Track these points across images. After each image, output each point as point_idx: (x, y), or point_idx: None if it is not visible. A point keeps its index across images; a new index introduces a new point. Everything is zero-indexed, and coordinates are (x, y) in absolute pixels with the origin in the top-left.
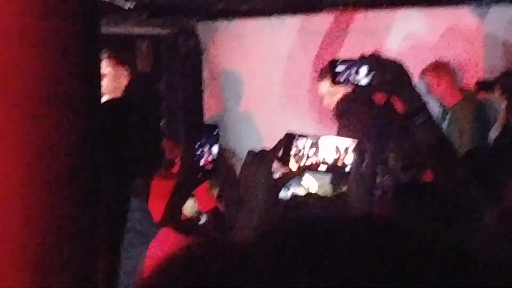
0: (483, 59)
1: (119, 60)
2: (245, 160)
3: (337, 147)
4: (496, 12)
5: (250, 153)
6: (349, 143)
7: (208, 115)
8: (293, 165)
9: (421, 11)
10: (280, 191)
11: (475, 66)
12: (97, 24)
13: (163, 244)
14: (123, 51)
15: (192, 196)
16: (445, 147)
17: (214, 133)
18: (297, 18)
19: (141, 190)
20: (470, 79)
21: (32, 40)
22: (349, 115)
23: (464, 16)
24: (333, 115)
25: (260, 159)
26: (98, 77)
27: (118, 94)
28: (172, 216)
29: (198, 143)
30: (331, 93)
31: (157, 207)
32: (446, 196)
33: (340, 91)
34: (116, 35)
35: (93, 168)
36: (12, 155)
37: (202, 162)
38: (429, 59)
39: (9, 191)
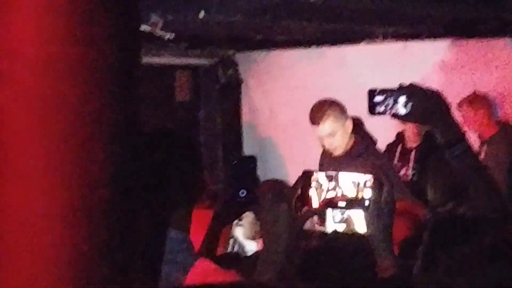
0: None
1: None
2: (266, 199)
3: (354, 183)
4: None
5: (266, 184)
6: (367, 178)
7: (247, 146)
8: (314, 201)
9: (458, 43)
10: (301, 228)
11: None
12: (137, 53)
13: (200, 275)
14: None
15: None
16: (485, 177)
17: (252, 165)
18: (336, 49)
19: (181, 220)
20: (507, 111)
21: (71, 70)
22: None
23: (500, 47)
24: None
25: (281, 199)
26: (137, 106)
27: None
28: (209, 247)
29: (237, 174)
30: (332, 134)
31: (198, 238)
32: (486, 231)
33: (339, 131)
34: (156, 65)
35: (131, 200)
36: (51, 188)
37: (240, 194)
38: (466, 91)
39: (47, 223)
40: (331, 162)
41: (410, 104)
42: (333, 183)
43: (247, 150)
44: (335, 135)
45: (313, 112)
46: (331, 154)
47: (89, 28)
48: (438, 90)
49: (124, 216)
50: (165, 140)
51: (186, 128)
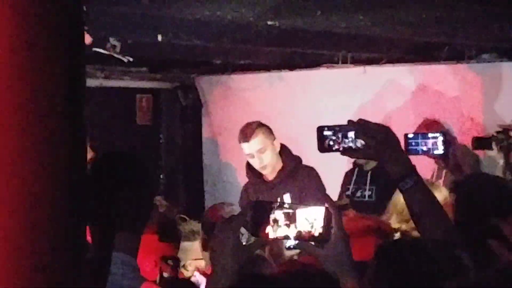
0: (480, 116)
1: None
2: (216, 226)
3: (308, 218)
4: (491, 67)
5: (218, 223)
6: (319, 211)
7: (207, 169)
8: (269, 232)
9: (416, 67)
10: (249, 257)
11: (470, 124)
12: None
13: None
14: None
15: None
16: (435, 209)
17: None
18: (296, 73)
19: (128, 244)
20: (465, 132)
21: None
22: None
23: (458, 72)
24: None
25: (229, 225)
26: (83, 126)
27: None
28: None
29: None
30: (261, 151)
31: (144, 262)
32: (431, 254)
33: (269, 148)
34: (116, 89)
35: (77, 220)
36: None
37: None
38: (424, 115)
39: None
40: (267, 188)
41: (359, 141)
42: (288, 220)
43: (207, 173)
44: (265, 152)
45: (243, 131)
46: (263, 180)
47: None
48: (386, 125)
49: (69, 236)
50: (115, 163)
51: (147, 151)
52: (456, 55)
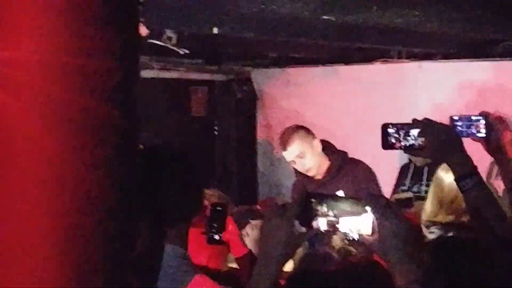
0: None
1: None
2: (267, 214)
3: (356, 228)
4: None
5: (272, 208)
6: (367, 219)
7: (261, 162)
8: (322, 224)
9: (473, 64)
10: (298, 247)
11: None
12: (136, 66)
13: None
14: None
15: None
16: (495, 210)
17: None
18: (350, 68)
19: (178, 236)
20: None
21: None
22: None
23: None
24: None
25: (282, 213)
26: (137, 120)
27: None
28: None
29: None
30: (300, 156)
31: (194, 255)
32: (486, 255)
33: (308, 152)
34: (171, 80)
35: (128, 214)
36: (46, 198)
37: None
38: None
39: (38, 239)
40: (317, 187)
41: (422, 139)
42: (335, 211)
43: (261, 166)
44: (305, 156)
45: (281, 139)
46: (312, 179)
47: (87, 40)
48: (449, 125)
49: (120, 230)
50: (164, 157)
51: (201, 143)
52: (510, 52)
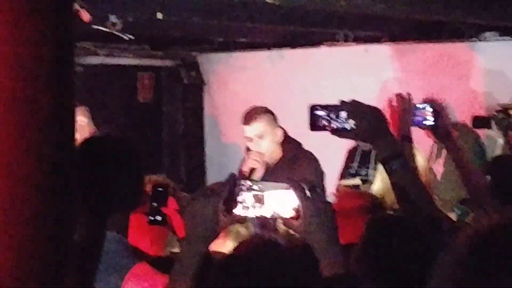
0: (480, 94)
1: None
2: (195, 194)
3: (281, 200)
4: (492, 47)
5: (201, 188)
6: (290, 194)
7: (208, 147)
8: (239, 211)
9: (418, 46)
10: (223, 228)
11: (471, 102)
12: (71, 55)
13: (139, 278)
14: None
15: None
16: (419, 190)
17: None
18: (297, 51)
19: (118, 223)
20: (465, 113)
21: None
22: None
23: (460, 51)
24: None
25: (209, 194)
26: (72, 108)
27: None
28: None
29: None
30: (260, 136)
31: (135, 241)
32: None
33: (268, 137)
34: (118, 66)
35: (67, 201)
36: None
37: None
38: (425, 95)
39: None
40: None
41: (350, 121)
42: (258, 203)
43: (209, 152)
44: (264, 139)
45: (247, 114)
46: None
47: (19, 29)
48: (377, 107)
49: (60, 217)
50: (105, 145)
51: (148, 129)
52: (456, 34)
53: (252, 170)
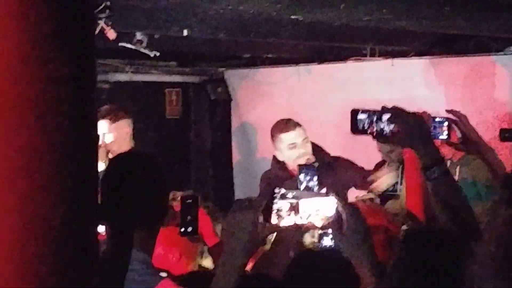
0: (506, 107)
1: (119, 114)
2: (232, 207)
3: (317, 209)
4: None
5: (238, 201)
6: (330, 202)
7: (236, 162)
8: (274, 221)
9: (443, 60)
10: (264, 240)
11: (497, 115)
12: (92, 70)
13: None
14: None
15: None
16: (460, 199)
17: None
18: (324, 66)
19: (144, 242)
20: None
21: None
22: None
23: (486, 64)
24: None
25: (247, 207)
26: (95, 124)
27: (125, 147)
28: None
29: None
30: (306, 140)
31: (168, 255)
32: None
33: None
34: (145, 83)
35: (94, 218)
36: (12, 210)
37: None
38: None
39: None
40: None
41: (392, 126)
42: (293, 211)
43: (237, 166)
44: (308, 142)
45: (284, 123)
46: (288, 172)
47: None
48: (419, 113)
49: (85, 232)
50: (130, 162)
51: (176, 145)
52: (482, 48)
53: None
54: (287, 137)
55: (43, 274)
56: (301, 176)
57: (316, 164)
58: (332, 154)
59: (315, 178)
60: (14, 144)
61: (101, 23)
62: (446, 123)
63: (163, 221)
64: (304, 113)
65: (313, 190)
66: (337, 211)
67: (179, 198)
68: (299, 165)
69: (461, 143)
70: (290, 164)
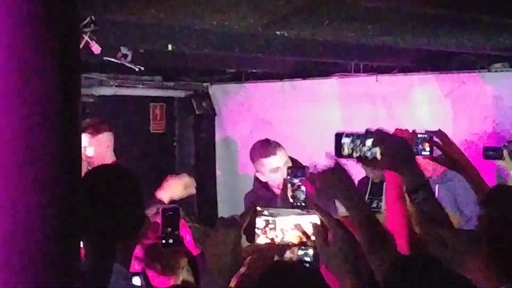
0: (491, 124)
1: (100, 128)
2: (216, 224)
3: (297, 225)
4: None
5: (221, 219)
6: (311, 219)
7: (220, 177)
8: (261, 240)
9: (428, 76)
10: (245, 258)
11: (480, 132)
12: (76, 88)
13: None
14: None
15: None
16: (443, 221)
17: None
18: (308, 82)
19: (119, 254)
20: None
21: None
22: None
23: (472, 81)
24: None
25: (230, 226)
26: (78, 137)
27: (106, 160)
28: None
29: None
30: (287, 164)
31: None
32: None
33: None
34: (130, 97)
35: (71, 230)
36: None
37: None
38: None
39: None
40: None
41: (376, 150)
42: (270, 227)
43: (220, 181)
44: (289, 162)
45: (265, 146)
46: (272, 194)
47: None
48: (402, 132)
49: (62, 248)
50: (107, 175)
51: (160, 159)
52: (467, 65)
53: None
54: (269, 162)
55: (27, 285)
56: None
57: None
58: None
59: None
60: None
61: (86, 37)
62: (428, 139)
63: (139, 233)
64: (288, 128)
65: (302, 192)
66: (322, 223)
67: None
68: (289, 167)
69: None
70: (274, 185)
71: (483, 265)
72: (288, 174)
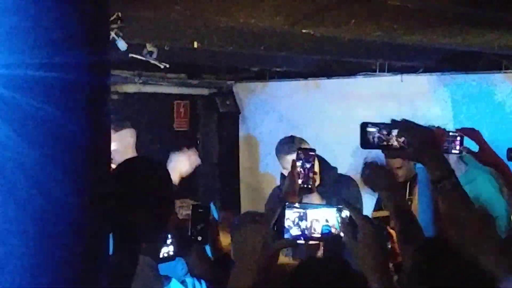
0: None
1: (121, 124)
2: (240, 222)
3: (327, 219)
4: None
5: (247, 214)
6: (340, 213)
7: (244, 176)
8: (294, 231)
9: (453, 77)
10: (275, 254)
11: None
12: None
13: None
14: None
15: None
16: (470, 211)
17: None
18: (333, 81)
19: (148, 247)
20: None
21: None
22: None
23: (495, 82)
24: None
25: (258, 220)
26: (107, 133)
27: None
28: None
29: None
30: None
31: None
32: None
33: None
34: (154, 94)
35: (101, 223)
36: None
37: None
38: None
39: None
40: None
41: (402, 140)
42: (303, 220)
43: (244, 180)
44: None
45: (287, 143)
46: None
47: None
48: (429, 127)
49: (94, 238)
50: (137, 168)
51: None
52: (492, 65)
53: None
54: (293, 158)
55: (54, 279)
56: (303, 163)
57: (314, 149)
58: (340, 170)
59: (311, 159)
60: (30, 148)
61: (112, 34)
62: (459, 138)
63: (168, 226)
64: (312, 127)
65: (309, 172)
66: (351, 219)
67: (186, 205)
68: (298, 149)
69: (476, 156)
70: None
71: (497, 250)
72: (297, 156)
